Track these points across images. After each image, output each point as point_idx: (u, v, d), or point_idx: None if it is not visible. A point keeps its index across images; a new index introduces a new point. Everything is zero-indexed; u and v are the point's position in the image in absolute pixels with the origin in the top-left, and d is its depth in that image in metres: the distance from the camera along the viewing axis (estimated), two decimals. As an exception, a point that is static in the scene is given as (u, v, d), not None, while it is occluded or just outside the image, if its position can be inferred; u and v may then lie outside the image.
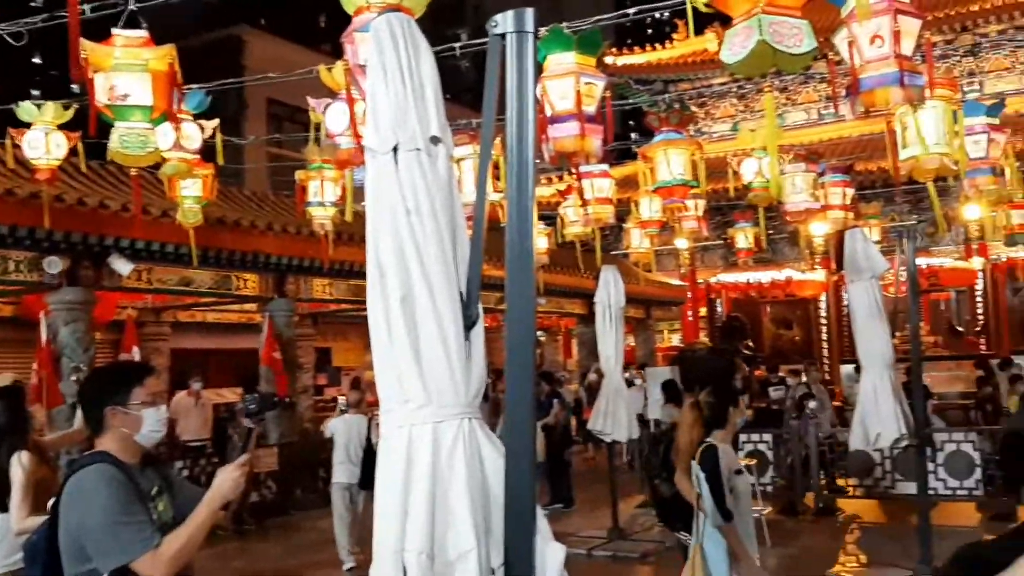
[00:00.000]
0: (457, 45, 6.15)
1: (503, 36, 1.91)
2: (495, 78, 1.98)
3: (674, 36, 22.99)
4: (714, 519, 4.38)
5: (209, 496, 2.75)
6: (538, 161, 6.32)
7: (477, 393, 2.01)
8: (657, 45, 22.76)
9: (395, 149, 2.02)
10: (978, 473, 9.63)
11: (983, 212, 11.19)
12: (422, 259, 1.99)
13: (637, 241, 11.32)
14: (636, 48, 23.37)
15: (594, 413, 9.14)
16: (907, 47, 5.11)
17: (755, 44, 3.93)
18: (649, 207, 9.47)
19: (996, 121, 8.18)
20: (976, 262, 18.14)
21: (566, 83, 5.53)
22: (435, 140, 2.06)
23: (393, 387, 1.99)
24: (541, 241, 10.94)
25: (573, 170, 8.06)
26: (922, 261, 18.19)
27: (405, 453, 1.95)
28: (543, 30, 5.86)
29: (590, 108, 5.53)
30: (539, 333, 20.73)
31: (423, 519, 1.92)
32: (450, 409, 1.96)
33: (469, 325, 2.02)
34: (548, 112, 5.63)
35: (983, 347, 18.49)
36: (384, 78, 2.07)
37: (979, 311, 19.03)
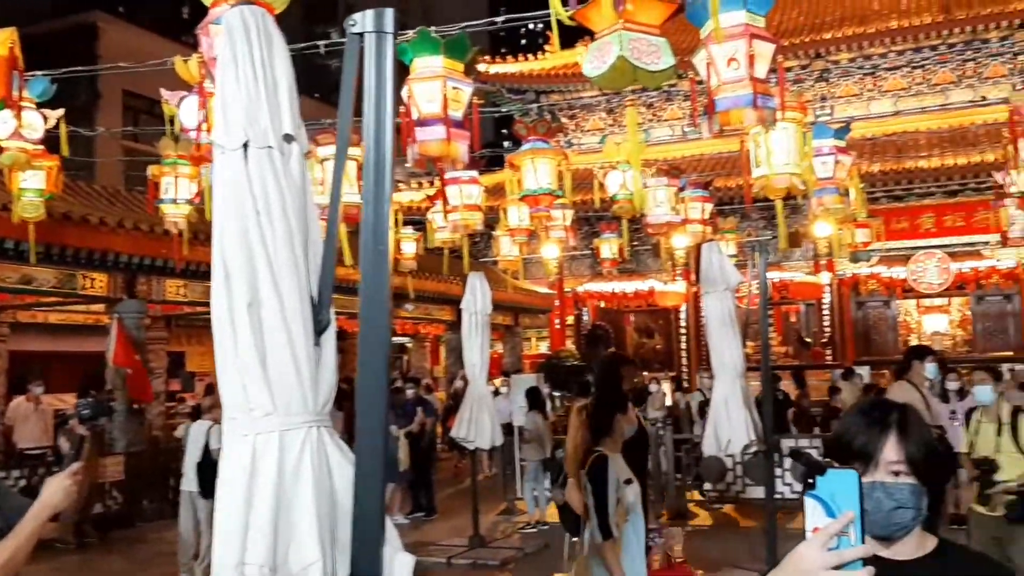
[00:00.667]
0: (322, 43, 6.03)
1: (361, 35, 1.88)
2: (352, 78, 1.94)
3: (546, 48, 23.36)
4: (595, 535, 4.24)
5: (36, 507, 2.58)
6: (408, 165, 6.25)
7: (327, 401, 1.96)
8: (530, 56, 23.08)
9: (245, 146, 1.95)
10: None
11: (830, 230, 11.84)
12: (271, 262, 1.92)
13: (506, 249, 11.39)
14: (509, 57, 23.63)
15: (458, 420, 9.12)
16: (761, 70, 5.33)
17: (615, 59, 4.02)
18: (518, 215, 9.53)
19: (843, 144, 8.59)
20: (824, 277, 19.21)
21: (433, 87, 5.50)
22: (288, 138, 2.00)
23: (237, 394, 1.91)
24: (409, 247, 10.86)
25: (439, 175, 8.03)
26: (774, 275, 19.13)
27: (249, 463, 1.88)
28: (411, 32, 5.82)
29: (457, 113, 5.53)
30: (407, 339, 20.59)
31: (266, 531, 1.85)
32: (297, 417, 1.90)
33: (320, 330, 1.96)
34: (415, 115, 5.60)
35: (829, 357, 19.57)
36: (235, 72, 1.99)
37: (826, 323, 20.13)
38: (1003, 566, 1.87)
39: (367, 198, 1.88)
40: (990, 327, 20.41)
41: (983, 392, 6.01)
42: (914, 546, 1.71)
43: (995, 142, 15.85)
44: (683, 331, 20.02)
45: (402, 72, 5.85)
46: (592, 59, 4.30)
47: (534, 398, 10.18)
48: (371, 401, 1.82)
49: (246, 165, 1.95)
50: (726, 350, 7.64)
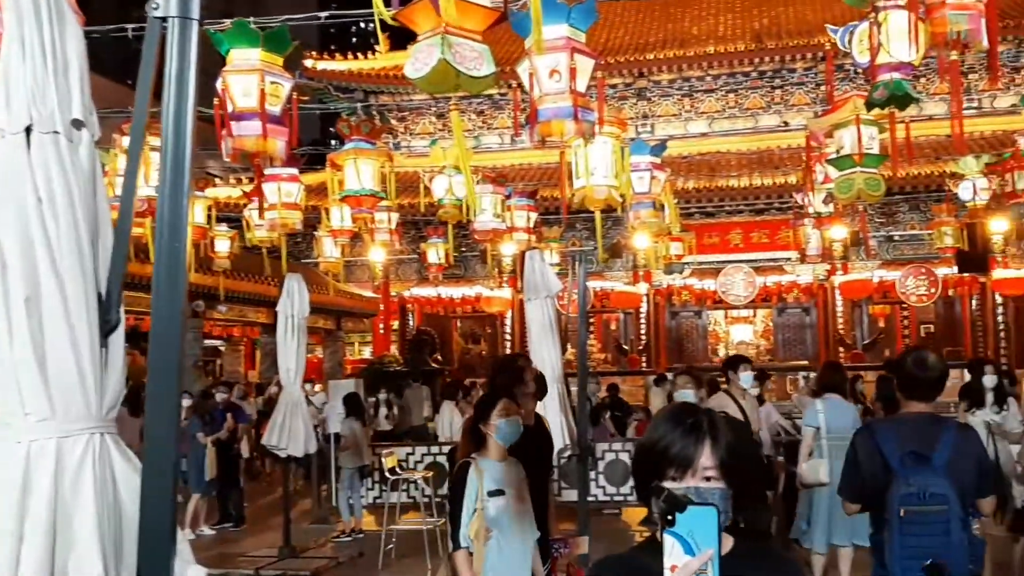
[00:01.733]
0: (131, 27, 5.70)
1: (164, 20, 1.77)
2: (152, 64, 1.83)
3: (376, 48, 23.13)
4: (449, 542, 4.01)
5: None
6: (227, 160, 5.96)
7: (113, 405, 1.84)
8: (360, 55, 22.77)
9: (28, 130, 1.80)
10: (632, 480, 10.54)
11: (648, 242, 12.35)
12: (54, 255, 1.79)
13: (329, 250, 11.16)
14: (338, 55, 23.21)
15: (270, 427, 8.83)
16: (582, 84, 5.49)
17: (437, 62, 4.02)
18: (340, 216, 9.36)
19: (659, 160, 8.95)
20: (642, 287, 20.03)
21: (250, 80, 5.31)
22: (77, 124, 1.87)
23: (12, 397, 1.76)
24: (223, 244, 10.43)
25: (255, 171, 7.77)
26: (596, 284, 19.78)
27: (22, 472, 1.74)
28: (228, 22, 5.60)
29: (275, 108, 5.36)
30: (220, 342, 19.76)
31: (41, 543, 1.73)
32: (79, 423, 1.78)
33: (108, 330, 1.84)
34: (230, 109, 5.39)
35: (644, 364, 20.42)
36: (22, 51, 1.85)
37: (643, 331, 20.99)
38: (790, 560, 1.98)
39: (163, 192, 1.78)
40: (790, 337, 21.97)
41: (685, 397, 5.89)
42: None
43: (797, 165, 17.08)
44: (508, 337, 20.33)
45: (222, 64, 5.63)
46: (414, 61, 4.27)
47: (352, 404, 10.01)
48: (161, 407, 1.72)
49: (28, 150, 1.81)
50: (546, 356, 7.80)
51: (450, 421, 11.01)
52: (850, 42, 5.77)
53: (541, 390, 5.15)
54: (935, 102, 21.36)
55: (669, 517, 1.38)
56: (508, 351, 20.25)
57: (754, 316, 22.44)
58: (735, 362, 7.31)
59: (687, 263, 14.41)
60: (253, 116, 5.32)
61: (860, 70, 5.79)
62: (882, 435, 3.66)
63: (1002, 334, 19.02)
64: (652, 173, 8.70)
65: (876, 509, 3.64)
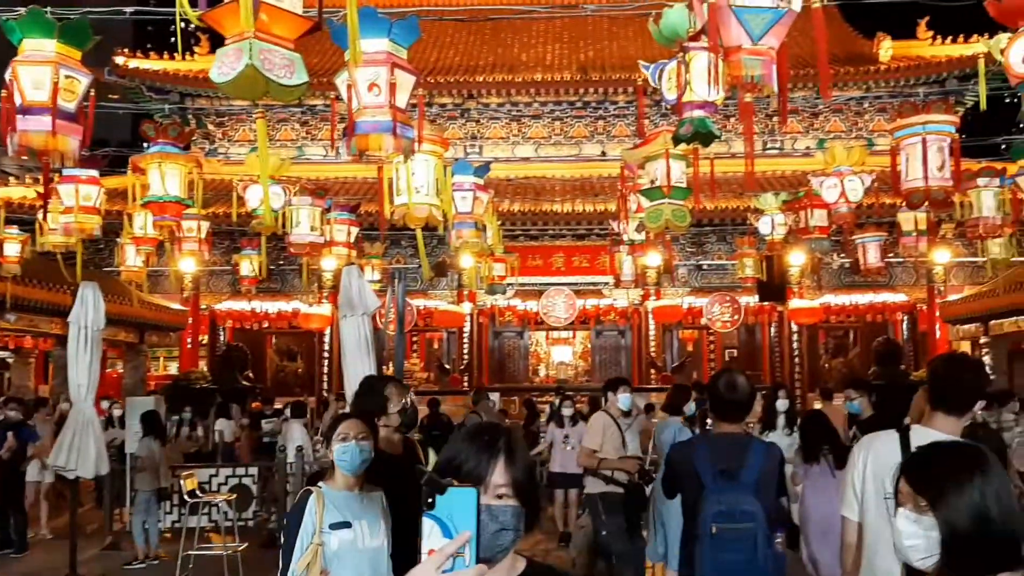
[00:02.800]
0: None
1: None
2: None
3: (196, 49, 22.15)
4: None
5: None
6: (22, 158, 5.44)
7: None
8: (178, 55, 21.70)
9: None
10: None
11: (472, 262, 12.39)
12: None
13: (131, 258, 10.48)
14: (153, 54, 22.01)
15: (57, 446, 8.14)
16: (402, 100, 5.42)
17: (244, 67, 3.83)
18: (144, 223, 8.81)
19: (482, 181, 9.04)
20: (466, 307, 20.10)
21: (42, 72, 4.91)
22: None
23: None
24: (12, 248, 9.60)
25: (43, 170, 7.19)
26: (420, 302, 19.69)
27: None
28: (22, 10, 5.16)
29: (69, 105, 4.97)
30: (8, 354, 18.15)
31: None
32: None
33: None
34: (17, 101, 4.94)
35: (466, 383, 20.46)
36: None
37: (465, 351, 21.04)
38: None
39: None
40: (606, 359, 22.70)
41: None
42: (507, 568, 1.73)
43: (615, 194, 17.70)
44: (327, 355, 19.84)
45: (12, 52, 5.17)
46: (221, 65, 4.06)
47: (150, 423, 9.40)
48: None
49: None
50: (360, 375, 7.63)
51: (302, 440, 10.51)
52: (660, 79, 6.00)
53: (410, 423, 4.59)
54: (743, 140, 22.76)
55: (429, 500, 1.35)
56: (326, 369, 19.76)
57: (574, 338, 23.06)
58: (613, 384, 7.36)
59: (510, 284, 14.53)
60: (43, 111, 4.92)
61: (669, 107, 6.03)
62: (696, 452, 3.79)
63: (796, 360, 20.40)
64: (475, 194, 8.76)
65: (687, 523, 3.76)
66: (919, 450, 1.84)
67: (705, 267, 20.48)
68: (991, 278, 17.96)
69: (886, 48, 22.21)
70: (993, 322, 19.12)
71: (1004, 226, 9.19)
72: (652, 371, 19.69)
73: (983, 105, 5.78)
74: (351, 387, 7.56)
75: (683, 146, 6.65)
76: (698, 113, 5.62)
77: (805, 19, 4.57)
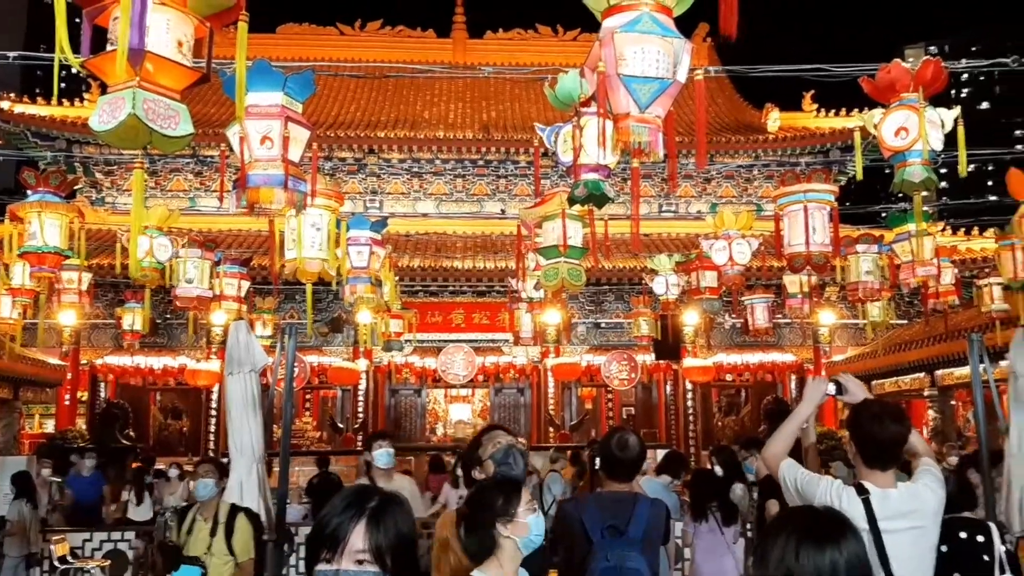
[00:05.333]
0: None
1: None
2: None
3: (86, 95, 21.50)
4: None
5: None
6: None
7: None
8: (65, 101, 20.99)
9: None
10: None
11: (369, 318, 12.21)
12: None
13: (6, 310, 9.93)
14: (40, 99, 21.24)
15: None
16: (295, 153, 5.34)
17: (126, 116, 3.69)
18: (22, 274, 8.38)
19: (379, 236, 8.97)
20: (361, 363, 19.75)
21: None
22: None
23: None
24: None
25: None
26: (314, 359, 19.26)
27: None
28: None
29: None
30: None
31: None
32: None
33: None
34: None
35: (359, 443, 19.99)
36: None
37: (360, 409, 20.61)
38: None
39: None
40: (505, 416, 22.58)
41: (204, 487, 5.63)
42: None
43: (515, 252, 17.86)
44: (214, 413, 19.11)
45: None
46: (102, 113, 3.90)
47: (22, 485, 8.84)
48: None
49: None
50: (246, 434, 7.36)
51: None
52: (556, 141, 6.10)
53: None
54: (641, 203, 23.33)
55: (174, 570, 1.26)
56: (213, 428, 19.02)
57: (473, 395, 22.90)
58: (370, 440, 7.28)
59: (408, 340, 14.38)
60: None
61: (565, 169, 6.11)
62: (584, 509, 3.78)
63: (691, 417, 20.75)
64: (372, 248, 8.67)
65: None
66: (777, 517, 1.85)
67: (603, 325, 20.76)
68: (872, 340, 18.77)
69: (774, 119, 23.27)
70: (875, 382, 19.92)
71: (882, 290, 9.61)
72: (551, 429, 19.70)
73: (859, 175, 6.06)
74: (235, 447, 7.27)
75: (578, 207, 6.76)
76: (592, 176, 5.70)
77: (702, 89, 4.74)
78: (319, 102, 22.82)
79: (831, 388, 3.51)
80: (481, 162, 22.96)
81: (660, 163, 22.54)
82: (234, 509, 5.62)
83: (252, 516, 5.93)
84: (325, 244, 7.09)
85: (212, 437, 19.00)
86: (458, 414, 22.70)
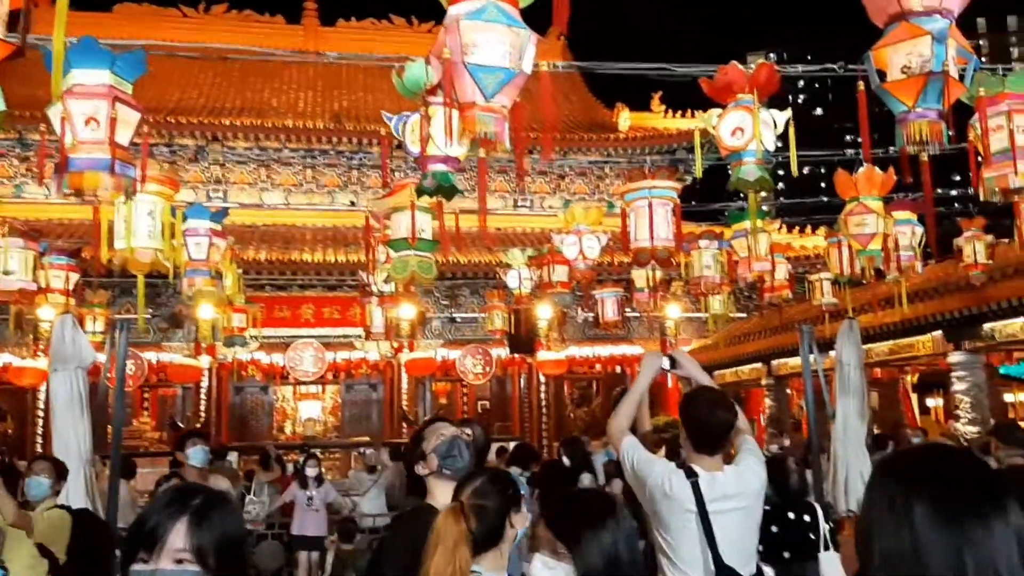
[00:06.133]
0: None
1: None
2: None
3: None
4: None
5: None
6: None
7: None
8: None
9: None
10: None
11: (212, 312, 11.69)
12: None
13: None
14: None
15: None
16: (123, 136, 5.00)
17: (-83, 90, 3.34)
18: None
19: (219, 227, 8.59)
20: (204, 360, 18.95)
21: None
22: None
23: None
24: None
25: None
26: (152, 356, 18.33)
27: None
28: None
29: None
30: None
31: None
32: None
33: None
34: None
35: (204, 442, 19.17)
36: None
37: (203, 408, 19.79)
38: None
39: None
40: (357, 414, 22.23)
41: (37, 485, 5.27)
42: None
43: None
44: (41, 414, 17.86)
45: None
46: None
47: None
48: None
49: None
50: (72, 435, 6.91)
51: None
52: (404, 131, 5.98)
53: None
54: (495, 197, 23.48)
55: None
56: (40, 430, 17.80)
57: (323, 392, 22.39)
58: (182, 440, 7.05)
59: (253, 336, 13.87)
60: None
61: (413, 160, 6.01)
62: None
63: (544, 410, 21.05)
64: (212, 240, 8.31)
65: None
66: (560, 498, 1.95)
67: (458, 320, 20.73)
68: (713, 332, 19.58)
69: (624, 118, 23.89)
70: (716, 372, 20.80)
71: (722, 284, 9.98)
72: (404, 425, 19.51)
73: (698, 173, 6.24)
74: (61, 449, 6.81)
75: (428, 199, 6.67)
76: (441, 167, 5.62)
77: (552, 84, 4.74)
78: (159, 87, 21.66)
79: (665, 363, 3.65)
80: (332, 152, 22.49)
81: (513, 158, 22.54)
82: (64, 511, 5.23)
83: (91, 522, 5.59)
84: (159, 233, 6.71)
85: (39, 440, 17.77)
86: (308, 412, 22.15)
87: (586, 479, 7.47)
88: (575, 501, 1.94)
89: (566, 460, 8.00)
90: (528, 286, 12.13)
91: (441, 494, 2.94)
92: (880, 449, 10.93)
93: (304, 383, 20.65)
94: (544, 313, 15.70)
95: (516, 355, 19.25)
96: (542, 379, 20.70)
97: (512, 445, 10.33)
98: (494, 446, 12.48)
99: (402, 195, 7.44)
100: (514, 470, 7.83)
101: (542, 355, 18.88)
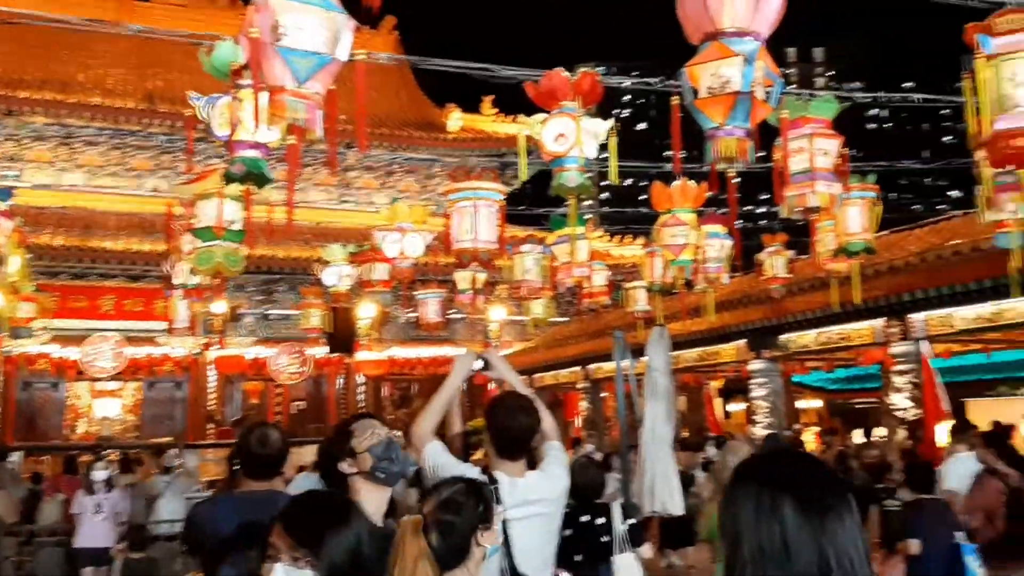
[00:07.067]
0: None
1: None
2: None
3: None
4: None
5: None
6: None
7: None
8: None
9: None
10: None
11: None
12: None
13: None
14: None
15: None
16: None
17: None
18: None
19: (4, 207, 7.96)
20: (-8, 354, 17.31)
21: None
22: None
23: None
24: None
25: None
26: (-75, 346, 16.52)
27: None
28: None
29: None
30: None
31: None
32: None
33: None
34: None
35: (-17, 442, 17.52)
36: None
37: (-12, 404, 18.09)
38: None
39: None
40: (159, 413, 20.92)
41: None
42: None
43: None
44: None
45: None
46: None
47: None
48: None
49: None
50: None
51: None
52: (212, 114, 5.62)
53: None
54: (318, 190, 22.85)
55: None
56: None
57: (123, 389, 20.92)
58: None
59: (45, 328, 12.76)
60: None
61: (222, 143, 5.63)
62: (218, 510, 3.51)
63: (362, 411, 20.63)
64: (-7, 221, 7.62)
65: None
66: (293, 502, 1.86)
67: (273, 317, 19.98)
68: (534, 335, 19.86)
69: (455, 119, 23.85)
70: (536, 375, 21.12)
71: (543, 289, 10.07)
72: (210, 425, 18.59)
73: (523, 176, 6.21)
74: None
75: (238, 186, 6.27)
76: (250, 153, 5.30)
77: (382, 79, 4.53)
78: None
79: (478, 364, 3.58)
80: (144, 134, 21.16)
81: (341, 152, 22.12)
82: None
83: None
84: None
85: None
86: (105, 410, 20.62)
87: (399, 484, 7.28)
88: (310, 503, 1.89)
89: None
90: (348, 283, 11.80)
91: (368, 499, 2.77)
92: (699, 450, 11.39)
93: (100, 379, 19.20)
94: (365, 312, 15.37)
95: (334, 355, 18.74)
96: (361, 380, 20.28)
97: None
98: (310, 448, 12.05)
99: (209, 181, 6.98)
100: (316, 475, 7.52)
101: (361, 355, 18.47)
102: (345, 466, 2.86)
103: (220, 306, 12.99)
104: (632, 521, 4.95)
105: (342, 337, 16.03)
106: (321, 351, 18.09)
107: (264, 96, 3.99)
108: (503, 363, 3.74)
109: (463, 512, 2.37)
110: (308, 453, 11.27)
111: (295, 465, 7.23)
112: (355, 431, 2.90)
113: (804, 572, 1.34)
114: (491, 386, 18.06)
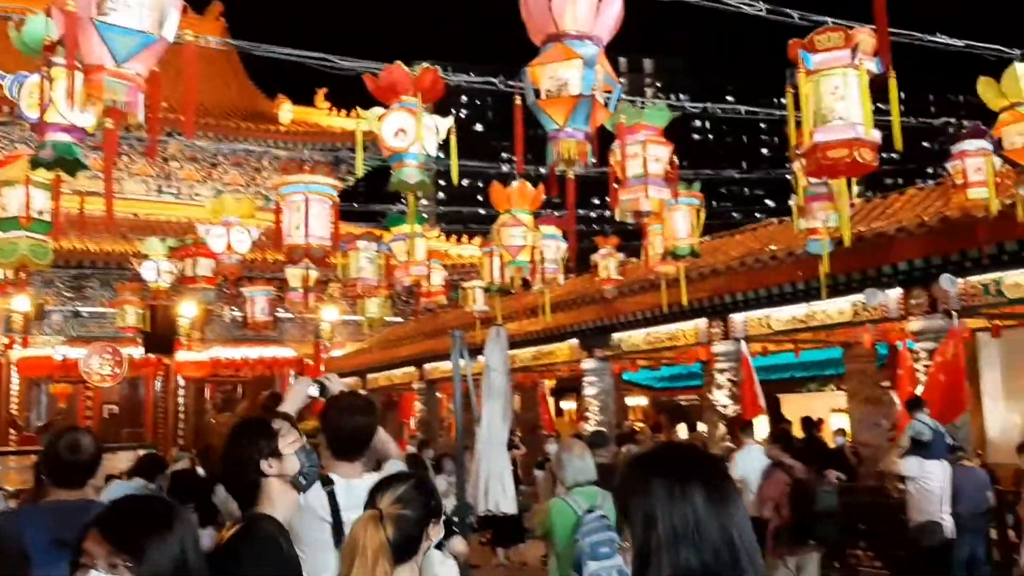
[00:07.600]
0: None
1: None
2: None
3: None
4: None
5: None
6: None
7: None
8: None
9: None
10: None
11: None
12: None
13: None
14: None
15: None
16: None
17: None
18: None
19: None
20: None
21: None
22: None
23: None
24: None
25: None
26: None
27: None
28: None
29: None
30: None
31: None
32: None
33: None
34: None
35: None
36: None
37: None
38: None
39: None
40: (-46, 418, 19.14)
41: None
42: None
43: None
44: None
45: None
46: None
47: None
48: None
49: None
50: None
51: None
52: (20, 93, 5.16)
53: None
54: (136, 181, 21.60)
55: None
56: None
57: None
58: None
59: None
60: None
61: (29, 125, 5.18)
62: (22, 522, 3.24)
63: (182, 415, 19.64)
64: None
65: None
66: (111, 506, 1.77)
67: (85, 314, 18.70)
68: (369, 335, 19.56)
69: (287, 111, 23.13)
70: (370, 376, 20.82)
71: (379, 287, 9.89)
72: (12, 431, 17.17)
73: (359, 171, 6.05)
74: None
75: (46, 173, 5.79)
76: (62, 137, 4.88)
77: (208, 67, 4.26)
78: None
79: (313, 389, 3.45)
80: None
81: (163, 140, 20.94)
82: None
83: None
84: None
85: None
86: None
87: (221, 491, 6.92)
88: (131, 507, 1.76)
89: (201, 470, 7.38)
90: (168, 280, 11.18)
91: (281, 501, 2.66)
92: (618, 446, 11.48)
93: None
94: (186, 310, 14.61)
95: (152, 355, 17.72)
96: (181, 382, 19.30)
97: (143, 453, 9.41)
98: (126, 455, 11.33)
99: (14, 167, 6.40)
100: (138, 482, 7.07)
101: (182, 355, 17.62)
102: (267, 466, 2.68)
103: (23, 302, 12.02)
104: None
105: (161, 336, 15.20)
106: (138, 351, 17.07)
107: (79, 76, 3.68)
108: (342, 386, 3.61)
109: (417, 506, 2.43)
110: (122, 460, 10.60)
111: (106, 473, 6.76)
112: (281, 431, 2.72)
113: (714, 548, 1.53)
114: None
